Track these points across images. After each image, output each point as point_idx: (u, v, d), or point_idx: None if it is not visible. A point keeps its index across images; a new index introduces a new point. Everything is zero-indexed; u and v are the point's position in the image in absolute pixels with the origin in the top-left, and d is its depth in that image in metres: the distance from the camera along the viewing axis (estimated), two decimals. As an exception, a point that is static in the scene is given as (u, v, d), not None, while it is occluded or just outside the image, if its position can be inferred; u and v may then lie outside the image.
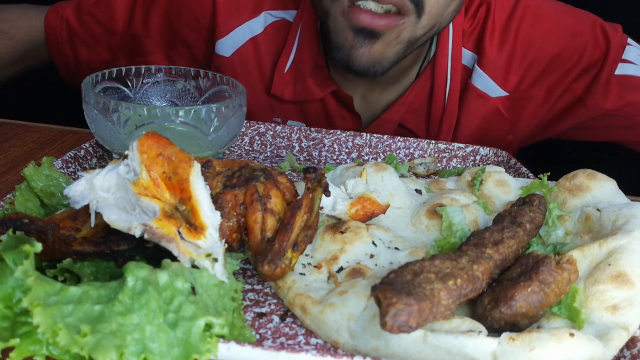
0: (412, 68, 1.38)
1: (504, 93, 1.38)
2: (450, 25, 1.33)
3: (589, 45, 1.36)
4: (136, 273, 0.56)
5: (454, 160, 1.19)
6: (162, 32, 1.42)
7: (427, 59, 1.39)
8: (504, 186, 0.89)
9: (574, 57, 1.37)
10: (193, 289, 0.58)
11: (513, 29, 1.35)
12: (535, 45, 1.36)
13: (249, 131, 1.20)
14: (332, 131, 1.20)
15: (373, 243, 0.76)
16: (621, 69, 1.36)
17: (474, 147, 1.19)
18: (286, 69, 1.37)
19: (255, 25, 1.38)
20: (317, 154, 1.19)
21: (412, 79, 1.40)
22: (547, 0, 1.42)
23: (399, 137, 1.20)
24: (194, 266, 0.61)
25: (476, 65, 1.37)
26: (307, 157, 1.18)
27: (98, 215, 0.63)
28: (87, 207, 0.64)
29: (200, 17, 1.38)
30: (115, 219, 0.61)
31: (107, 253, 0.64)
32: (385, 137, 1.20)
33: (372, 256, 0.74)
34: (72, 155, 0.97)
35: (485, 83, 1.37)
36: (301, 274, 0.71)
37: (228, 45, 1.38)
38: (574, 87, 1.39)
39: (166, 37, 1.42)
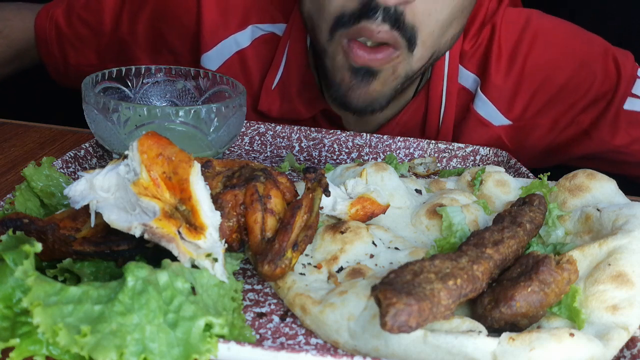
0: (408, 87, 1.33)
1: (507, 122, 1.33)
2: None
3: (599, 76, 1.31)
4: (136, 273, 0.56)
5: (454, 160, 1.19)
6: (148, 38, 1.40)
7: (425, 79, 1.35)
8: (504, 186, 0.89)
9: (582, 87, 1.31)
10: (193, 289, 0.58)
11: (521, 55, 1.30)
12: (544, 72, 1.31)
13: (249, 131, 1.20)
14: (332, 131, 1.20)
15: (373, 243, 0.76)
16: (630, 104, 1.31)
17: (474, 147, 1.19)
18: (274, 86, 1.34)
19: (242, 39, 1.34)
20: (317, 154, 1.19)
21: (408, 98, 1.36)
22: (557, 23, 1.36)
23: (399, 137, 1.20)
24: (194, 266, 0.61)
25: (479, 91, 1.31)
26: (307, 157, 1.18)
27: (98, 215, 0.63)
28: (87, 207, 0.64)
29: (187, 26, 1.36)
30: (115, 219, 0.61)
31: (107, 253, 0.64)
32: (385, 137, 1.20)
33: (372, 256, 0.74)
34: (72, 155, 0.97)
35: (488, 110, 1.32)
36: (301, 274, 0.71)
37: (214, 58, 1.35)
38: (581, 119, 1.34)
39: (152, 44, 1.41)
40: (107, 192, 0.64)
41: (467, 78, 1.34)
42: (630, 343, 0.64)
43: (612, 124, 1.33)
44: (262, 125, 1.20)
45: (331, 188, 0.78)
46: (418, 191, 0.91)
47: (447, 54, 1.30)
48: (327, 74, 1.19)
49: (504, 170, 0.93)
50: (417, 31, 1.09)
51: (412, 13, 1.06)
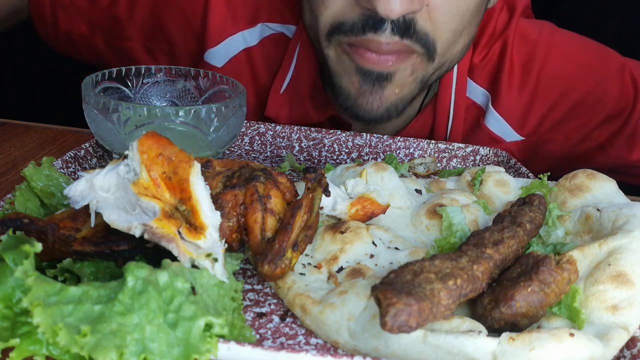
0: (414, 100, 1.29)
1: (519, 138, 1.31)
2: None
3: (615, 93, 1.28)
4: (136, 273, 0.56)
5: (454, 160, 1.19)
6: (146, 21, 1.36)
7: (431, 93, 1.32)
8: (504, 186, 0.89)
9: (598, 104, 1.29)
10: (193, 289, 0.58)
11: (535, 71, 1.27)
12: (558, 88, 1.28)
13: (249, 131, 1.20)
14: (332, 131, 1.20)
15: (373, 243, 0.76)
16: None
17: (474, 147, 1.19)
18: (282, 90, 1.30)
19: (250, 36, 1.31)
20: (317, 154, 1.19)
21: (414, 112, 1.34)
22: (571, 37, 1.33)
23: (399, 137, 1.20)
24: (194, 266, 0.61)
25: (491, 106, 1.29)
26: (307, 157, 1.18)
27: (98, 215, 0.63)
28: (87, 207, 0.64)
29: (190, 19, 1.33)
30: (115, 219, 0.61)
31: (107, 253, 0.64)
32: (385, 137, 1.20)
33: (372, 256, 0.74)
34: (72, 155, 0.97)
35: (500, 127, 1.30)
36: (301, 274, 0.71)
37: (220, 54, 1.32)
38: (595, 135, 1.32)
39: (149, 27, 1.37)
40: (107, 192, 0.64)
41: (477, 92, 1.31)
42: (630, 343, 0.64)
43: (630, 140, 1.30)
44: (262, 125, 1.20)
45: (331, 188, 0.78)
46: (418, 191, 0.91)
47: (456, 68, 1.27)
48: (334, 81, 1.14)
49: (504, 170, 0.93)
50: (433, 38, 1.05)
51: (423, 20, 1.02)
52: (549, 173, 0.88)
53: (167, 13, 1.35)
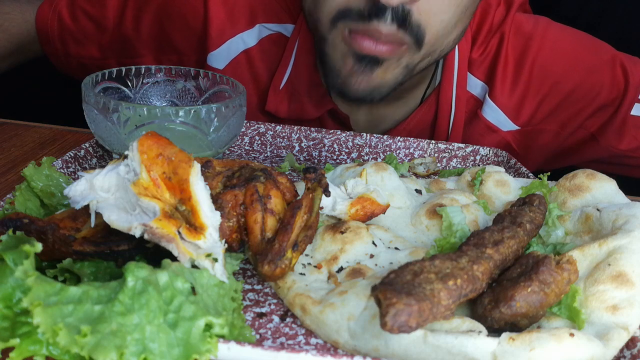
0: (416, 89, 1.34)
1: (515, 127, 1.35)
2: (456, 54, 1.29)
3: (607, 84, 1.32)
4: (136, 273, 0.56)
5: (454, 160, 1.19)
6: (153, 36, 1.40)
7: (433, 85, 1.35)
8: (504, 186, 0.89)
9: (590, 95, 1.32)
10: (193, 289, 0.58)
11: (529, 62, 1.31)
12: (551, 80, 1.32)
13: (249, 131, 1.20)
14: (332, 131, 1.20)
15: (373, 243, 0.76)
16: (637, 110, 1.32)
17: (474, 147, 1.19)
18: (281, 86, 1.34)
19: (249, 38, 1.35)
20: (317, 154, 1.19)
21: (416, 104, 1.37)
22: (564, 31, 1.36)
23: (398, 137, 1.20)
24: (194, 266, 0.61)
25: (487, 97, 1.32)
26: (307, 157, 1.18)
27: (98, 215, 0.63)
28: (87, 207, 0.64)
29: (192, 26, 1.36)
30: (115, 219, 0.61)
31: (107, 253, 0.64)
32: (385, 137, 1.20)
33: (372, 256, 0.74)
34: (72, 155, 0.97)
35: (496, 116, 1.33)
36: (301, 274, 0.71)
37: (221, 57, 1.35)
38: (588, 124, 1.35)
39: (156, 41, 1.41)
40: (107, 192, 0.64)
41: (476, 86, 1.34)
42: (630, 343, 0.64)
43: (619, 130, 1.34)
44: (262, 125, 1.20)
45: (331, 188, 0.78)
46: (418, 191, 0.91)
47: (457, 61, 1.30)
48: (327, 61, 1.18)
49: (504, 170, 0.93)
50: (424, 30, 1.08)
51: (418, 12, 1.06)
52: (549, 173, 0.88)
53: (171, 24, 1.38)
